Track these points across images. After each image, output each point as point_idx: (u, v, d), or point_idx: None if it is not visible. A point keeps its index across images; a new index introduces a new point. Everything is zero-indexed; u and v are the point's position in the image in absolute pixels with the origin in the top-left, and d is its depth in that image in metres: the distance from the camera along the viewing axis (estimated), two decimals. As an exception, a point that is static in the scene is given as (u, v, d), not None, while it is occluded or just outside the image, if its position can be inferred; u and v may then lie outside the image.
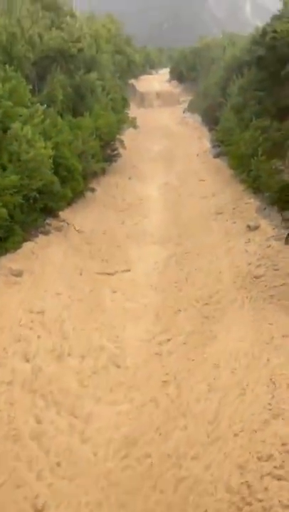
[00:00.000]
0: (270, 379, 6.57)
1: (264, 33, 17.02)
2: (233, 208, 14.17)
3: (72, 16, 21.23)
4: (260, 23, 22.75)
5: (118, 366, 7.58)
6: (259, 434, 5.78)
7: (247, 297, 9.24)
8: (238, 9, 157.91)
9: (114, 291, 9.99)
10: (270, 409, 6.03)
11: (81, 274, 10.44)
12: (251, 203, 14.05)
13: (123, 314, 9.12)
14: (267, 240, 11.38)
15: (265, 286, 9.47)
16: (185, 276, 10.56)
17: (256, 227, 12.24)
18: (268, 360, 7.07)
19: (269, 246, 11.07)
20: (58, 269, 10.42)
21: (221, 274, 10.33)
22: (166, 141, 25.54)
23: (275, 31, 15.95)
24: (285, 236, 11.08)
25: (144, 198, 16.22)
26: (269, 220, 12.39)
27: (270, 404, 6.13)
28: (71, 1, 23.27)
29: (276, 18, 17.68)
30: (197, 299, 9.49)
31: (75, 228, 12.61)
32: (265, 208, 13.20)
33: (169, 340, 8.29)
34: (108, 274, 10.73)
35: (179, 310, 9.21)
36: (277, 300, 8.88)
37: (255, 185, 14.45)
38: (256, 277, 9.83)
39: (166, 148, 23.95)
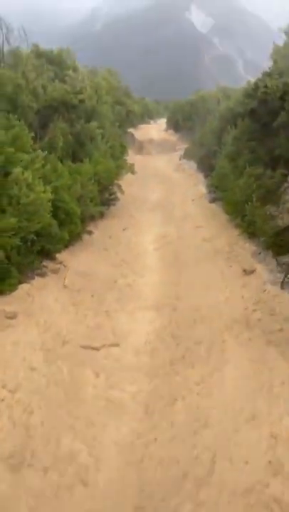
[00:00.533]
0: (271, 434, 6.25)
1: (256, 87, 18.03)
2: (229, 252, 14.32)
3: (75, 69, 22.58)
4: (251, 77, 24.22)
5: (86, 484, 5.98)
6: (255, 509, 5.26)
7: (246, 350, 8.83)
8: (232, 65, 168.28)
9: (98, 375, 8.42)
10: (270, 468, 5.69)
11: (63, 345, 9.20)
12: (246, 247, 14.25)
13: (105, 407, 7.49)
14: (263, 284, 11.41)
15: (263, 331, 9.32)
16: (182, 353, 9.03)
17: (252, 272, 12.33)
18: (268, 414, 6.71)
19: (265, 290, 11.09)
20: (42, 333, 9.45)
21: (224, 342, 9.28)
22: (162, 185, 26.18)
23: (266, 86, 16.93)
24: (281, 280, 11.14)
25: (141, 252, 15.39)
26: (264, 265, 12.50)
27: (270, 462, 5.76)
28: (74, 55, 24.83)
29: (266, 74, 18.86)
30: (198, 382, 8.04)
31: (64, 283, 12.04)
32: (260, 253, 13.37)
33: (156, 439, 6.73)
34: (93, 348, 9.31)
35: (176, 399, 7.59)
36: (275, 346, 8.71)
37: (250, 230, 14.69)
38: (253, 324, 9.68)
39: (162, 193, 24.44)
